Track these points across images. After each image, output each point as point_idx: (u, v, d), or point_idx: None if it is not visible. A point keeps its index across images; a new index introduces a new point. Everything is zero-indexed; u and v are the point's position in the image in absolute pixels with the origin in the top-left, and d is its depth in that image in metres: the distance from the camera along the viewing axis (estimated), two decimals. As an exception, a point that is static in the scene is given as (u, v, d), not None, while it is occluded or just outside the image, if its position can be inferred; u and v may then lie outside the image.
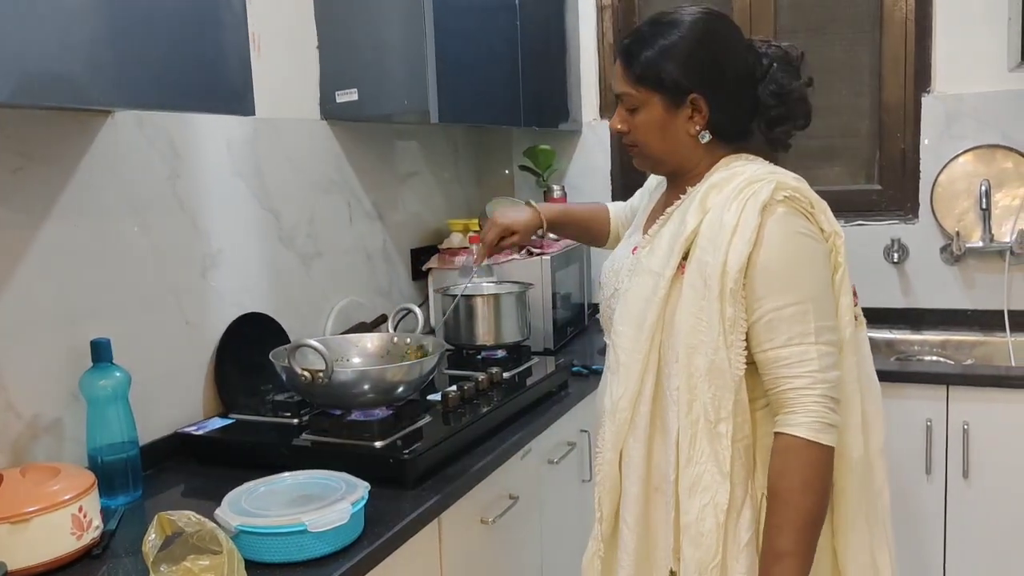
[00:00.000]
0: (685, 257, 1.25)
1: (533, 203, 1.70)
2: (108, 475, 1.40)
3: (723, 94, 1.29)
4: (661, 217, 1.34)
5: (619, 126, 1.35)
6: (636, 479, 1.29)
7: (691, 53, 1.27)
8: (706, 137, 1.31)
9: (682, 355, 1.23)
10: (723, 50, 1.30)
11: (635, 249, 1.38)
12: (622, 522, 1.32)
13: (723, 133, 1.32)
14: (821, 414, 1.18)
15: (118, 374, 1.44)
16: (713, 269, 1.21)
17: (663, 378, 1.27)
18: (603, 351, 1.46)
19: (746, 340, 1.21)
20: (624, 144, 1.38)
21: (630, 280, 1.33)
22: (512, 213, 1.68)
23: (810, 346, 1.19)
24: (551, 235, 1.83)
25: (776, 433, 1.21)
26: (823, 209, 1.26)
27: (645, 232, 1.39)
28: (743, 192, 1.23)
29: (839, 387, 1.21)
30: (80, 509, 1.19)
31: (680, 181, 1.36)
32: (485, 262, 1.75)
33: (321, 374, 1.49)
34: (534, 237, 1.70)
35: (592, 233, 1.76)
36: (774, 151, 1.36)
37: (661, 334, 1.26)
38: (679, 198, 1.33)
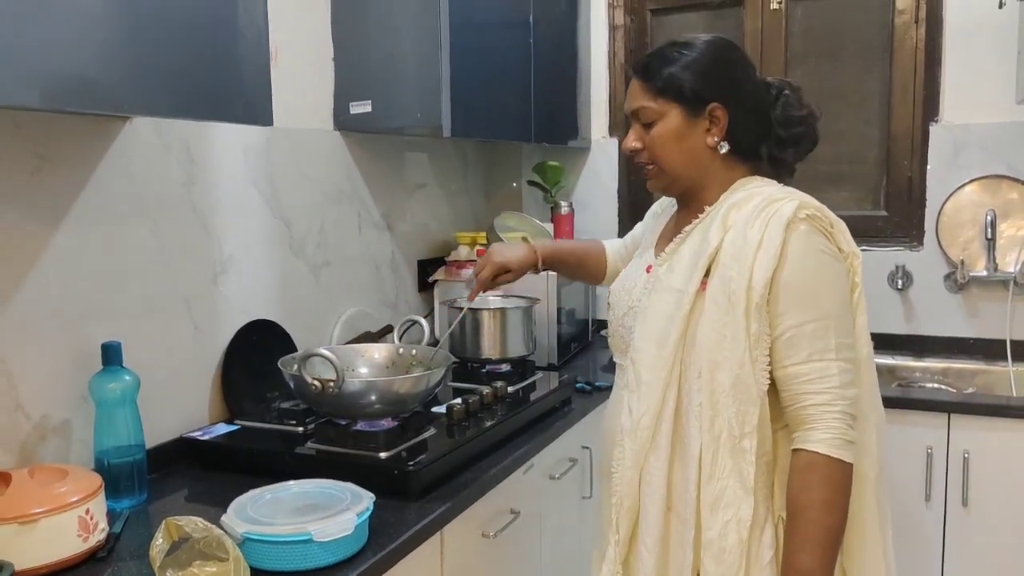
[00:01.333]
0: (707, 274, 1.27)
1: (530, 240, 1.69)
2: (114, 478, 1.41)
3: (739, 108, 1.32)
4: (679, 236, 1.35)
5: (633, 144, 1.35)
6: (657, 499, 1.29)
7: (709, 68, 1.31)
8: (724, 148, 1.32)
9: (705, 371, 1.24)
10: (737, 72, 1.34)
11: (649, 268, 1.39)
12: (641, 544, 1.31)
13: (739, 147, 1.34)
14: (841, 431, 1.19)
15: (127, 377, 1.45)
16: (738, 285, 1.22)
17: (684, 394, 1.28)
18: (607, 368, 1.47)
19: (768, 356, 1.23)
20: (638, 164, 1.38)
21: (648, 298, 1.34)
22: (508, 251, 1.67)
23: (831, 362, 1.20)
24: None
25: (795, 450, 1.22)
26: (842, 229, 1.29)
27: (659, 251, 1.40)
28: (766, 210, 1.25)
29: (856, 404, 1.22)
30: (87, 511, 1.20)
31: (696, 201, 1.36)
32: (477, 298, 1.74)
33: (331, 384, 1.50)
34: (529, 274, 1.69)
35: (588, 270, 1.76)
36: (780, 175, 1.38)
37: (683, 350, 1.27)
38: (696, 216, 1.34)
